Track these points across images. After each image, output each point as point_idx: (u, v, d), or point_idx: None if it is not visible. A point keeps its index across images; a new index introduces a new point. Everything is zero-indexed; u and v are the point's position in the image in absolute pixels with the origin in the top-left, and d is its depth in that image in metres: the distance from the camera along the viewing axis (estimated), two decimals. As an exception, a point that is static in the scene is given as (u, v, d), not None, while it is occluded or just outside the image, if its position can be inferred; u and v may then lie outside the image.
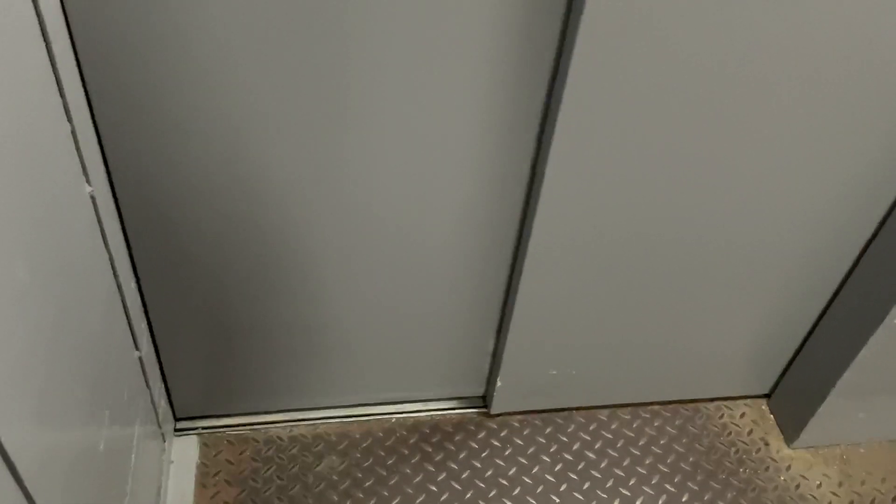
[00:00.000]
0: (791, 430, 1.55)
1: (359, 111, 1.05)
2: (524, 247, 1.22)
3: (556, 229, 1.19)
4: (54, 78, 0.82)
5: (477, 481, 1.47)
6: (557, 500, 1.45)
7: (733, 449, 1.56)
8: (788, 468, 1.54)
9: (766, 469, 1.54)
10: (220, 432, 1.48)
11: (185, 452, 1.44)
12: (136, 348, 1.18)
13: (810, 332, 1.48)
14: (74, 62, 0.91)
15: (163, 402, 1.36)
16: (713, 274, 1.35)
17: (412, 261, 1.28)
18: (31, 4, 0.76)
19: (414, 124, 1.08)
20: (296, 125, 1.05)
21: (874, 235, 1.29)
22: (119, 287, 1.10)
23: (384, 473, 1.45)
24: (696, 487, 1.49)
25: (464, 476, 1.47)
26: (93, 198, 0.97)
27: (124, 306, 1.12)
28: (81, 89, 0.94)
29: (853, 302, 1.35)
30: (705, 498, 1.48)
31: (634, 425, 1.58)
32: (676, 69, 1.02)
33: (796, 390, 1.54)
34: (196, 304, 1.27)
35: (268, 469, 1.44)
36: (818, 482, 1.53)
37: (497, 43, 1.00)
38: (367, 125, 1.07)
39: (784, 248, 1.31)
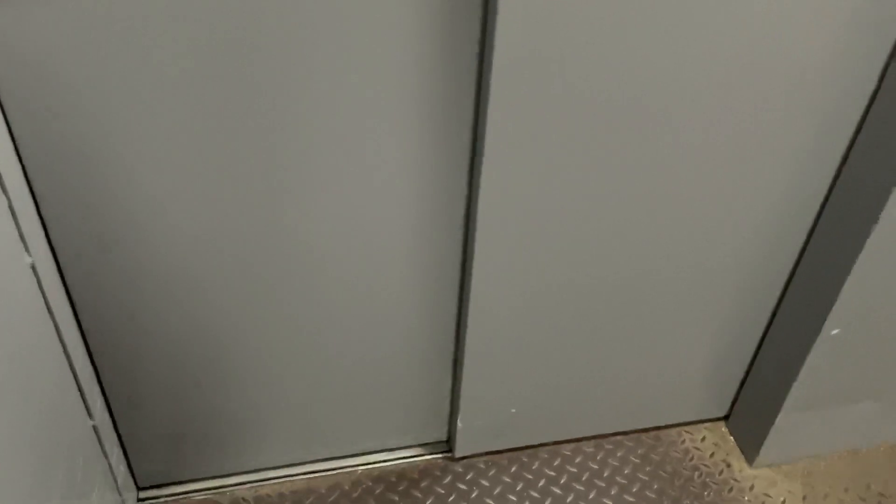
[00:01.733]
0: (750, 449, 1.58)
1: (296, 172, 1.08)
2: (467, 288, 1.25)
3: (496, 268, 1.22)
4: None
5: (445, 526, 1.47)
6: (526, 539, 1.46)
7: (696, 473, 1.58)
8: (752, 488, 1.56)
9: (730, 490, 1.56)
10: (184, 498, 1.47)
11: (148, 521, 1.43)
12: (90, 417, 1.19)
13: (757, 351, 1.51)
14: (7, 133, 0.94)
15: (122, 470, 1.35)
16: (657, 302, 1.38)
17: (362, 311, 1.30)
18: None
19: (348, 180, 1.12)
20: (233, 187, 1.08)
21: (803, 250, 1.33)
22: (67, 356, 1.10)
23: (351, 526, 1.45)
24: (662, 514, 1.51)
25: (432, 522, 1.47)
26: (33, 268, 0.99)
27: (74, 374, 1.13)
28: (16, 160, 0.96)
29: (791, 317, 1.39)
30: (673, 524, 1.49)
31: (598, 457, 1.59)
32: (591, 105, 1.07)
33: (751, 409, 1.57)
34: (151, 368, 1.28)
35: (234, 531, 1.43)
36: (782, 498, 1.55)
37: (420, 95, 1.05)
38: (305, 183, 1.10)
39: (720, 270, 1.35)
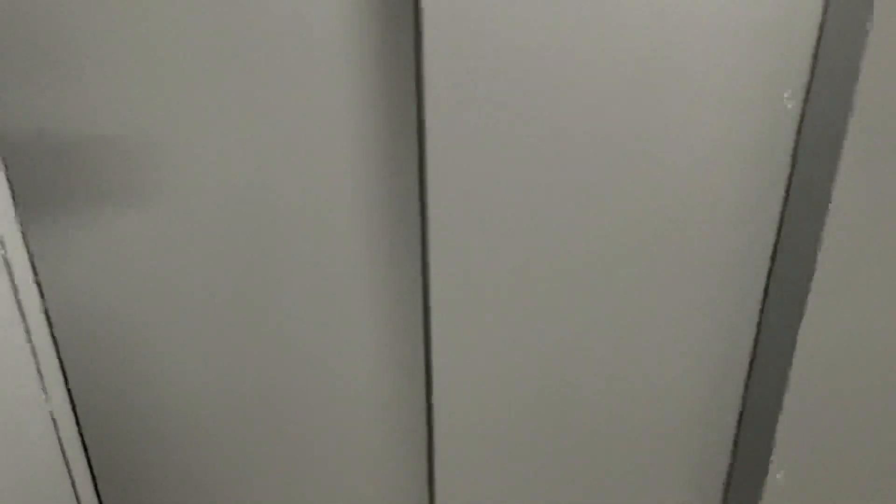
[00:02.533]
0: None
1: (277, 330, 1.26)
2: (431, 417, 1.35)
3: (458, 394, 1.32)
4: (16, 304, 1.04)
5: None
6: None
7: None
8: None
9: None
10: None
11: None
12: (95, 557, 1.29)
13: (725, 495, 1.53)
14: (37, 290, 1.14)
15: None
16: (623, 429, 1.42)
17: (340, 441, 1.40)
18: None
19: (309, 309, 1.26)
20: (231, 349, 1.26)
21: (746, 390, 1.39)
22: (76, 495, 1.23)
23: None
24: None
25: None
26: (51, 414, 1.15)
27: (81, 514, 1.25)
28: (43, 317, 1.16)
29: (743, 465, 1.44)
30: None
31: None
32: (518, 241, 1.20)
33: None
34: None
35: None
36: None
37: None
38: (285, 335, 1.28)
39: (673, 400, 1.39)
